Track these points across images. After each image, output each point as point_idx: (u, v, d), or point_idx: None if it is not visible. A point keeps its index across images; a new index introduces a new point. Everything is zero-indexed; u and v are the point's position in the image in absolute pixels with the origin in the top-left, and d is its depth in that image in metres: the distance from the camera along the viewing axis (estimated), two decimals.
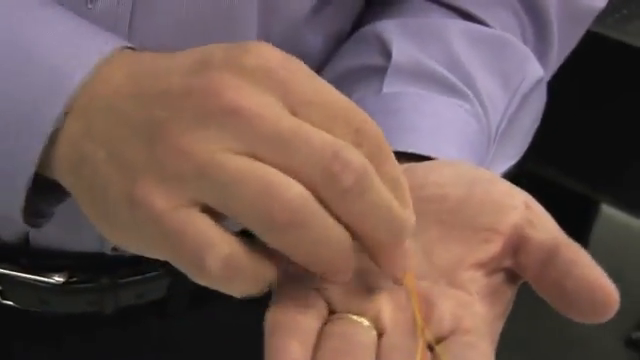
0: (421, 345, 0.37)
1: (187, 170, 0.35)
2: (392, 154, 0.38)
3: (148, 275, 0.60)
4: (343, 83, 0.53)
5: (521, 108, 0.55)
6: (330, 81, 0.52)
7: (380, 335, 0.38)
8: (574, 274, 0.37)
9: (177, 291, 0.62)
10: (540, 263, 0.38)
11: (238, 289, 0.36)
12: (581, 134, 1.43)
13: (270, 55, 0.36)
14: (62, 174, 0.39)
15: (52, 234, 0.56)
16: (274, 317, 0.37)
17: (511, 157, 0.58)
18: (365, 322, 0.38)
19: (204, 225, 0.35)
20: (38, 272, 0.58)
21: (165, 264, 0.60)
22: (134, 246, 0.38)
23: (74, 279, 0.59)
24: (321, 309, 0.38)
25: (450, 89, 0.50)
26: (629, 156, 1.44)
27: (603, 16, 0.60)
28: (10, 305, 0.60)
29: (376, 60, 0.52)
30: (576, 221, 1.89)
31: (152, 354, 0.65)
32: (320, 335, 0.37)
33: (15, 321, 0.62)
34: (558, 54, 0.58)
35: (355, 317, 0.38)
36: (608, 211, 1.87)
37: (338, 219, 0.36)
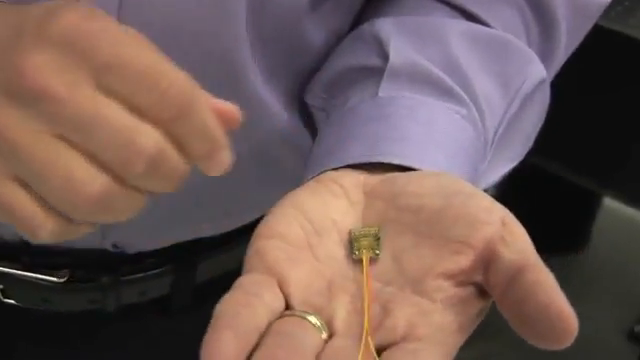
0: (362, 350, 0.37)
1: (3, 147, 0.37)
2: (202, 107, 0.38)
3: (150, 272, 0.60)
4: (340, 82, 0.52)
5: (522, 110, 0.54)
6: (327, 79, 0.53)
7: (331, 336, 0.38)
8: (534, 298, 0.36)
9: (180, 288, 0.62)
10: (506, 282, 0.37)
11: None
12: (583, 127, 1.42)
13: (73, 20, 0.37)
14: None
15: None
16: (220, 307, 0.36)
17: (511, 160, 0.58)
18: (317, 322, 0.38)
19: (26, 203, 0.38)
20: (39, 270, 0.58)
21: (167, 262, 0.61)
22: None
23: (75, 277, 0.59)
24: (274, 302, 0.38)
25: (446, 93, 0.49)
26: (632, 149, 1.43)
27: (606, 8, 0.59)
28: (12, 304, 0.60)
29: (373, 61, 0.51)
30: (579, 214, 1.89)
31: (154, 352, 0.65)
32: (265, 331, 0.36)
33: (17, 319, 0.62)
34: (565, 51, 0.57)
35: (308, 316, 0.38)
36: (611, 204, 1.86)
37: None
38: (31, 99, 0.37)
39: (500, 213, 0.40)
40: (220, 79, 0.49)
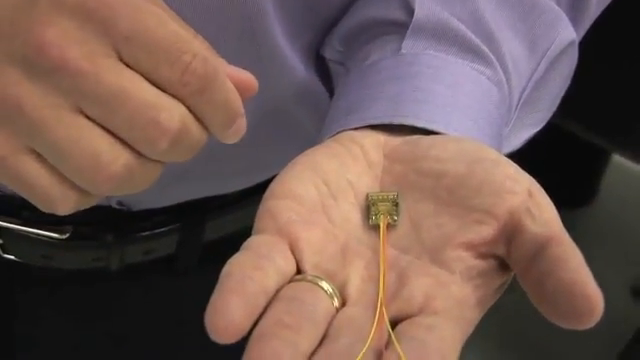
0: (376, 322, 0.35)
1: (20, 122, 0.36)
2: (224, 79, 0.38)
3: (157, 231, 0.59)
4: (360, 36, 0.50)
5: (549, 73, 0.52)
6: (347, 31, 0.51)
7: (343, 304, 0.36)
8: (557, 274, 0.34)
9: (187, 248, 0.61)
10: (529, 257, 0.36)
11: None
12: (597, 86, 1.41)
13: None
14: None
15: None
16: (228, 269, 0.35)
17: (535, 124, 0.56)
18: (329, 288, 0.36)
19: (43, 177, 0.37)
20: (41, 226, 0.57)
21: (175, 220, 0.60)
22: None
23: (79, 234, 0.57)
24: (285, 266, 0.36)
25: (472, 52, 0.47)
26: None
27: None
28: (12, 259, 0.59)
29: (397, 14, 0.49)
30: (587, 170, 1.89)
31: (158, 312, 0.64)
32: (274, 296, 0.35)
33: (17, 276, 0.61)
34: (595, 10, 0.55)
35: (320, 281, 0.36)
36: (620, 161, 1.85)
37: None
38: (50, 72, 0.35)
39: (526, 183, 0.38)
40: (239, 29, 0.48)
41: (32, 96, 0.36)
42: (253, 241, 0.37)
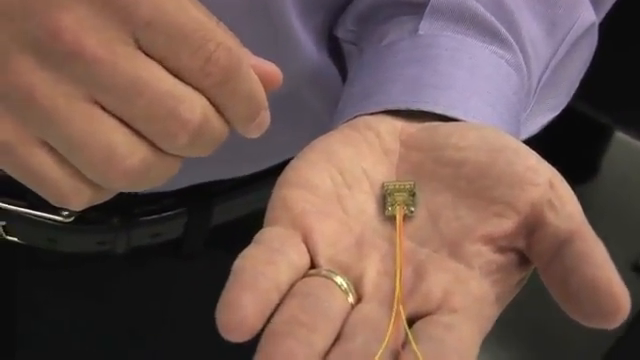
0: (392, 320, 0.34)
1: (32, 112, 0.34)
2: (248, 70, 0.37)
3: (164, 214, 0.58)
4: (376, 15, 0.49)
5: (568, 56, 0.51)
6: (361, 10, 0.50)
7: (358, 301, 0.35)
8: (581, 270, 0.33)
9: (194, 231, 0.59)
10: (551, 252, 0.35)
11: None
12: (602, 62, 1.40)
13: None
14: None
15: None
16: (240, 263, 0.34)
17: (553, 109, 0.54)
18: (344, 283, 0.35)
19: (55, 171, 0.36)
20: (45, 209, 0.56)
21: (183, 203, 0.59)
22: None
23: (84, 217, 0.56)
24: (299, 260, 0.35)
25: (491, 35, 0.46)
26: None
27: None
28: (15, 242, 0.57)
29: None
30: (590, 146, 1.88)
31: (163, 296, 0.63)
32: (288, 291, 0.34)
33: (20, 259, 0.60)
34: None
35: (335, 276, 0.35)
36: (622, 137, 1.84)
37: None
38: (65, 59, 0.34)
39: (548, 173, 0.37)
40: (253, 9, 0.46)
41: (44, 84, 0.34)
42: (265, 234, 0.36)
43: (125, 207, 0.57)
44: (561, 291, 0.34)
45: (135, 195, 0.56)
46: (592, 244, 0.34)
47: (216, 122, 0.37)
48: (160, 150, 0.36)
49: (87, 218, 0.56)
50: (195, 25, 0.35)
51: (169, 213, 0.58)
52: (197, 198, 0.59)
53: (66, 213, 0.56)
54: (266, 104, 0.38)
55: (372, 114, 0.42)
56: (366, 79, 0.45)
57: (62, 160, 0.36)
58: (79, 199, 0.37)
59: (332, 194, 0.38)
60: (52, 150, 0.36)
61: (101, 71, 0.34)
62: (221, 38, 0.35)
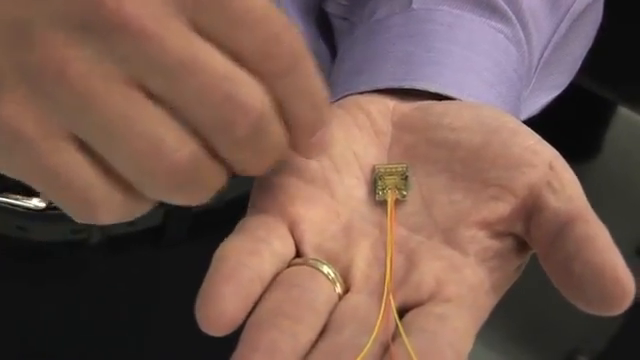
0: (381, 314, 0.33)
1: (62, 94, 0.29)
2: (311, 64, 0.32)
3: None
4: None
5: (571, 32, 0.49)
6: None
7: (347, 291, 0.34)
8: (584, 255, 0.32)
9: (175, 219, 0.57)
10: (551, 236, 0.33)
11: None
12: (605, 37, 1.39)
13: None
14: None
15: None
16: (221, 253, 0.33)
17: (556, 87, 0.53)
18: (331, 273, 0.34)
19: (85, 171, 0.31)
20: (14, 195, 0.53)
21: None
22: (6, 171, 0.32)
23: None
24: (283, 249, 0.35)
25: (491, 9, 0.44)
26: None
27: None
28: None
29: None
30: (591, 123, 1.86)
31: (145, 287, 0.61)
32: (272, 281, 0.33)
33: None
34: None
35: (321, 266, 0.34)
36: (625, 113, 1.82)
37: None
38: (106, 33, 0.29)
39: (548, 155, 0.35)
40: None
41: (79, 62, 0.29)
42: (250, 222, 0.35)
43: None
44: (562, 277, 0.33)
45: None
46: (595, 227, 0.33)
47: (276, 124, 0.32)
48: (211, 148, 0.32)
49: None
50: (252, 10, 0.30)
51: None
52: None
53: (38, 199, 0.53)
54: (330, 115, 0.34)
55: (362, 93, 0.40)
56: (356, 55, 0.43)
57: (93, 158, 0.31)
58: (109, 209, 0.32)
59: (320, 179, 0.37)
60: (82, 146, 0.31)
61: (148, 47, 0.29)
62: (285, 21, 0.31)
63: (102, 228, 0.55)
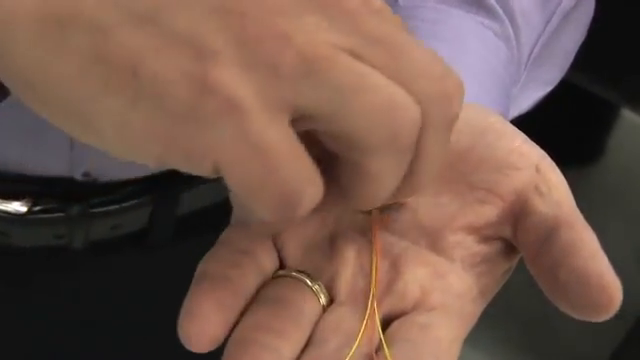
0: (364, 325, 0.33)
1: (287, 61, 0.27)
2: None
3: (125, 204, 0.55)
4: None
5: (562, 26, 0.49)
6: None
7: (331, 302, 0.34)
8: (571, 261, 0.32)
9: (160, 221, 0.57)
10: (539, 241, 0.33)
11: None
12: (607, 38, 1.39)
13: None
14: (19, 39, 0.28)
15: (11, 154, 0.51)
16: (203, 267, 0.32)
17: (548, 82, 0.52)
18: (315, 286, 0.34)
19: (297, 152, 0.28)
20: None
21: (148, 192, 0.56)
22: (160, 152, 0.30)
23: (38, 208, 0.53)
24: (267, 261, 0.34)
25: (478, 4, 0.44)
26: None
27: None
28: None
29: None
30: (594, 126, 1.86)
31: (131, 291, 0.60)
32: (255, 296, 0.33)
33: None
34: None
35: (305, 278, 0.34)
36: (629, 116, 1.82)
37: None
38: (329, 4, 0.28)
39: (534, 157, 0.35)
40: None
41: (300, 33, 0.28)
42: (232, 234, 0.34)
43: (81, 196, 0.54)
44: (549, 282, 0.33)
45: (92, 183, 0.53)
46: (581, 233, 0.32)
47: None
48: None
49: (41, 209, 0.53)
50: (421, 56, 0.30)
51: (131, 202, 0.55)
52: (161, 186, 0.57)
53: (19, 203, 0.52)
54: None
55: None
56: None
57: (307, 135, 0.29)
58: (313, 191, 0.28)
59: None
60: (295, 121, 0.28)
61: (367, 22, 0.29)
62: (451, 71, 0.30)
63: (85, 233, 0.55)
